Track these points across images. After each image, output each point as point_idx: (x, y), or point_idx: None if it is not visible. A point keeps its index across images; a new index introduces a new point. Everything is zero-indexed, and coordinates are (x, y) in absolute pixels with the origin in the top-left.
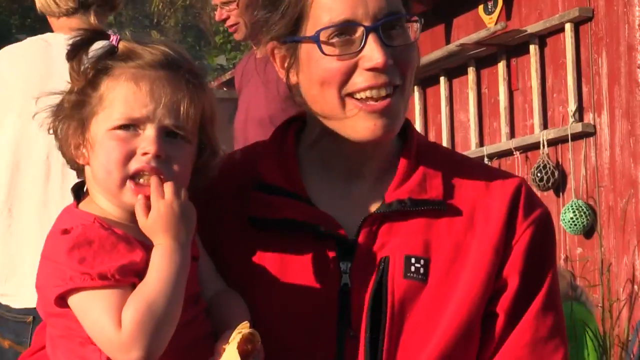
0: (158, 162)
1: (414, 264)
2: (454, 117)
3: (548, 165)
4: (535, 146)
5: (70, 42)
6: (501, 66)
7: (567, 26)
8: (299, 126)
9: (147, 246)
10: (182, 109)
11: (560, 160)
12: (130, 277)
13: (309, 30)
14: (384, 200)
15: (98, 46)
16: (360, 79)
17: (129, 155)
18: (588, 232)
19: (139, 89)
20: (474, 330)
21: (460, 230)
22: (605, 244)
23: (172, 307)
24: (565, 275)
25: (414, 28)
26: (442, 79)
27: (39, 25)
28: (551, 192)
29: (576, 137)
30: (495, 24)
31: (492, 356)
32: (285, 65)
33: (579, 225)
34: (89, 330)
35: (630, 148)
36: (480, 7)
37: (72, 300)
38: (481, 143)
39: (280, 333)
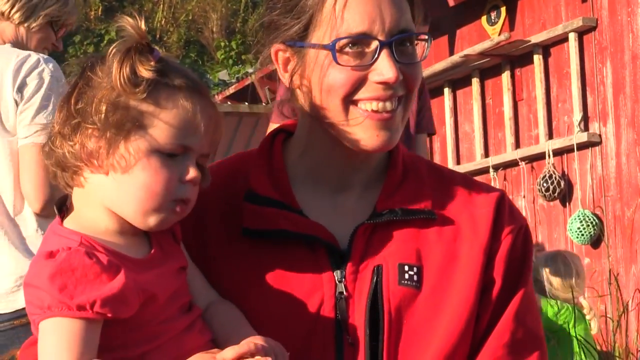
0: (194, 189)
1: (407, 272)
2: (458, 128)
3: (554, 176)
4: (540, 156)
5: (123, 45)
6: (505, 77)
7: (571, 36)
8: (284, 137)
9: (131, 265)
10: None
11: (566, 170)
12: (108, 311)
13: (321, 37)
14: (375, 210)
15: (150, 60)
16: (368, 90)
17: (177, 180)
18: (595, 242)
19: (195, 118)
20: (470, 333)
21: (450, 237)
22: (612, 253)
23: None
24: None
25: (422, 46)
26: (446, 90)
27: None
28: (557, 202)
29: (582, 146)
30: (499, 34)
31: (472, 356)
32: (289, 68)
33: (586, 235)
34: (40, 356)
35: (637, 157)
36: (484, 18)
37: (43, 325)
38: (486, 154)
39: (278, 342)
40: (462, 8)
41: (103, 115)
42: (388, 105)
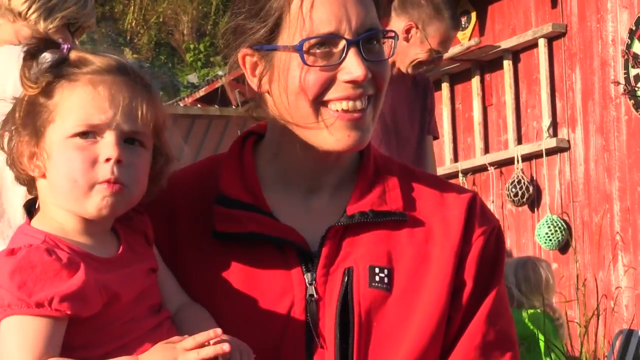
0: (119, 168)
1: (378, 274)
2: None
3: (523, 181)
4: (509, 161)
5: (23, 50)
6: (475, 82)
7: (541, 42)
8: (255, 140)
9: (95, 263)
10: (139, 114)
11: (534, 175)
12: (67, 308)
13: (288, 39)
14: (345, 212)
15: (49, 55)
16: (338, 90)
17: (92, 162)
18: (563, 247)
19: (97, 94)
20: (441, 335)
21: (421, 239)
22: (580, 259)
23: None
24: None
25: (389, 44)
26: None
27: None
28: (526, 207)
29: (550, 152)
30: (469, 39)
31: (443, 359)
32: (257, 72)
33: (554, 240)
34: (2, 358)
35: (605, 163)
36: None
37: (3, 323)
38: (455, 159)
39: (249, 345)
40: None
41: (20, 117)
42: (358, 104)
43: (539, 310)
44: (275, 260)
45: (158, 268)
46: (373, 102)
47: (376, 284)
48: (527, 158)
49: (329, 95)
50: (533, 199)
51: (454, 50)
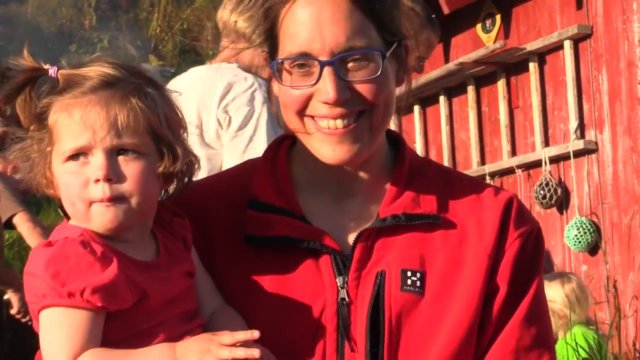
0: (111, 185)
1: (410, 277)
2: (454, 136)
3: (550, 183)
4: (537, 164)
5: (8, 87)
6: (501, 84)
7: (566, 43)
8: (290, 143)
9: (129, 263)
10: (119, 124)
11: (562, 177)
12: (98, 299)
13: (281, 50)
14: (379, 216)
15: (40, 83)
16: (316, 109)
17: (85, 184)
18: (593, 249)
19: (72, 119)
20: (472, 340)
21: (455, 242)
22: (610, 260)
23: None
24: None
25: (380, 60)
26: (441, 97)
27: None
28: (554, 209)
29: (578, 154)
30: (494, 42)
31: None
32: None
33: (584, 242)
34: (43, 350)
35: (633, 164)
36: (479, 26)
37: (41, 315)
38: (482, 162)
39: (281, 348)
40: (456, 16)
41: (32, 149)
42: (339, 123)
43: (584, 328)
44: (307, 263)
45: (195, 273)
46: (368, 116)
47: (408, 288)
48: (554, 160)
49: (310, 112)
50: (561, 201)
51: (479, 53)
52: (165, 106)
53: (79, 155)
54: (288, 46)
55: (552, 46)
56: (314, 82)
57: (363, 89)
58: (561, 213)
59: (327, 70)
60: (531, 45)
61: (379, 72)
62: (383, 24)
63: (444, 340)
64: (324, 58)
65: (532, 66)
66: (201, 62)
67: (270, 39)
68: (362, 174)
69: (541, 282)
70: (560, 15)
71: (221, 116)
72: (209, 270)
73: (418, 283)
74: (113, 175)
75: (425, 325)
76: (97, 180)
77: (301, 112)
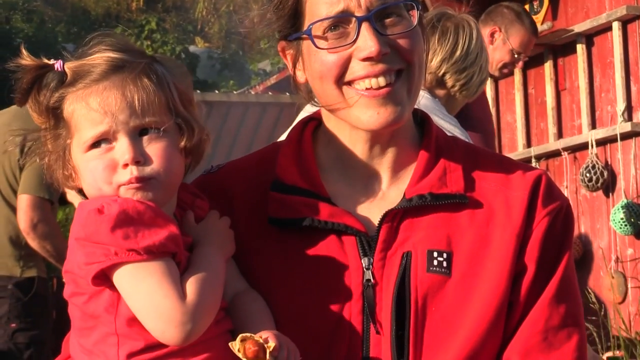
0: (139, 167)
1: (436, 258)
2: (500, 118)
3: (597, 166)
4: (583, 146)
5: (18, 88)
6: (548, 66)
7: (615, 25)
8: (316, 125)
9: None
10: (137, 105)
11: (609, 160)
12: (172, 247)
13: (306, 25)
14: (405, 196)
15: (48, 79)
16: (357, 68)
17: (112, 168)
18: (639, 232)
19: (90, 107)
20: (501, 321)
21: (482, 222)
22: None
23: (220, 290)
24: None
25: (414, 14)
26: (488, 80)
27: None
28: (600, 192)
29: (625, 136)
30: (542, 23)
31: (505, 343)
32: (294, 63)
33: (630, 225)
34: (139, 303)
35: None
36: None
37: (119, 274)
38: (528, 144)
39: (306, 331)
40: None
41: (47, 146)
42: (381, 80)
43: None
44: (332, 245)
45: None
46: (405, 76)
47: (434, 269)
48: (601, 143)
49: (349, 76)
50: (608, 184)
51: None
52: (175, 81)
53: (100, 142)
54: (321, 10)
55: (600, 27)
56: (352, 41)
57: (402, 43)
58: (607, 196)
59: (365, 26)
60: (579, 27)
61: (415, 25)
62: None
63: (471, 321)
64: (360, 14)
65: (580, 48)
66: (246, 44)
67: (294, 17)
68: (389, 153)
69: (570, 260)
70: None
71: None
72: (235, 254)
73: (445, 264)
74: (140, 157)
75: (453, 306)
76: (126, 165)
77: (340, 80)
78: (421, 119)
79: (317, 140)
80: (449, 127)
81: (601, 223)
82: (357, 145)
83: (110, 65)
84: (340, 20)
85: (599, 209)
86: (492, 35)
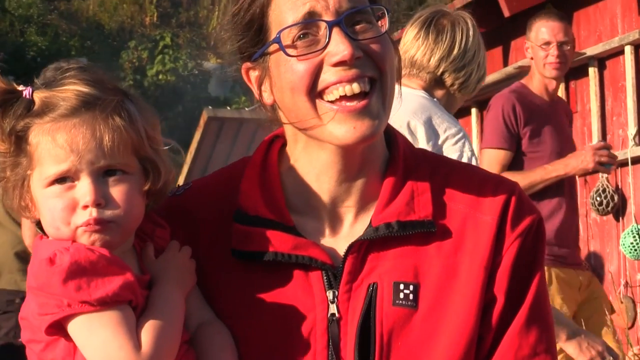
0: (99, 209)
1: (402, 291)
2: None
3: (607, 190)
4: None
5: None
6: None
7: (627, 49)
8: (282, 143)
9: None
10: (106, 145)
11: (620, 184)
12: (126, 295)
13: (274, 35)
14: (371, 224)
15: (15, 106)
16: (329, 74)
17: (71, 208)
18: None
19: (57, 144)
20: (470, 356)
21: (450, 251)
22: None
23: (178, 335)
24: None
25: (384, 22)
26: (494, 98)
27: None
28: (611, 216)
29: (636, 160)
30: None
31: None
32: (260, 83)
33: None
34: (94, 355)
35: None
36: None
37: (73, 325)
38: None
39: None
40: (517, 19)
41: (5, 173)
42: (355, 87)
43: None
44: (298, 278)
45: None
46: (379, 86)
47: (400, 302)
48: None
49: (321, 84)
50: (618, 208)
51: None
52: (145, 122)
53: (63, 179)
54: (287, 17)
55: (612, 51)
56: (323, 46)
57: (374, 48)
58: (617, 220)
59: (335, 30)
60: (591, 50)
61: (385, 32)
62: None
63: (439, 357)
64: (329, 18)
65: (592, 71)
66: None
67: (258, 32)
68: (358, 182)
69: (542, 280)
70: (622, 20)
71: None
72: (198, 282)
73: (411, 296)
74: (101, 200)
75: (419, 340)
76: (86, 207)
77: (312, 91)
78: (387, 133)
79: (282, 161)
80: (448, 125)
81: (611, 247)
82: (324, 167)
83: (81, 100)
84: (309, 27)
85: (608, 233)
86: (526, 50)
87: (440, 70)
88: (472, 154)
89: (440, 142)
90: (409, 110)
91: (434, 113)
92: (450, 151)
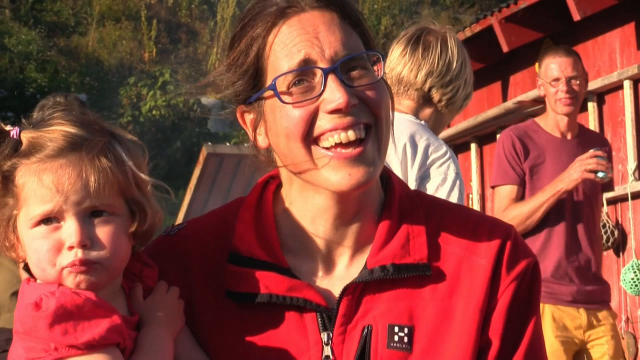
0: (85, 250)
1: (397, 333)
2: None
3: (608, 225)
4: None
5: None
6: None
7: (626, 83)
8: (277, 184)
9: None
10: (92, 186)
11: (620, 219)
12: (114, 338)
13: (269, 82)
14: (366, 266)
15: (2, 146)
16: (324, 122)
17: (57, 249)
18: None
19: (43, 184)
20: None
21: (445, 294)
22: None
23: None
24: None
25: (379, 67)
26: (498, 137)
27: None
28: (611, 252)
29: (636, 195)
30: None
31: None
32: (255, 127)
33: None
34: None
35: None
36: (537, 64)
37: None
38: None
39: None
40: (515, 54)
41: None
42: (351, 134)
43: None
44: (292, 319)
45: None
46: (375, 133)
47: (395, 344)
48: (612, 202)
49: (317, 130)
50: (618, 244)
51: (537, 92)
52: (132, 163)
53: (49, 219)
54: (283, 65)
55: (611, 86)
56: (318, 94)
57: (369, 95)
58: (618, 256)
59: (331, 77)
60: (590, 85)
61: (381, 78)
62: (367, 39)
63: None
64: (324, 65)
65: (591, 106)
66: None
67: (255, 76)
68: (353, 225)
69: (537, 323)
70: (621, 55)
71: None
72: (191, 323)
73: (406, 339)
74: (87, 241)
75: None
76: (72, 248)
77: (307, 138)
78: (382, 174)
79: (277, 203)
80: (435, 148)
81: (611, 283)
82: (319, 211)
83: (68, 141)
84: (304, 74)
85: (609, 269)
86: (539, 88)
87: (427, 85)
88: (457, 176)
89: (428, 163)
90: (402, 134)
91: (422, 134)
92: (435, 174)
